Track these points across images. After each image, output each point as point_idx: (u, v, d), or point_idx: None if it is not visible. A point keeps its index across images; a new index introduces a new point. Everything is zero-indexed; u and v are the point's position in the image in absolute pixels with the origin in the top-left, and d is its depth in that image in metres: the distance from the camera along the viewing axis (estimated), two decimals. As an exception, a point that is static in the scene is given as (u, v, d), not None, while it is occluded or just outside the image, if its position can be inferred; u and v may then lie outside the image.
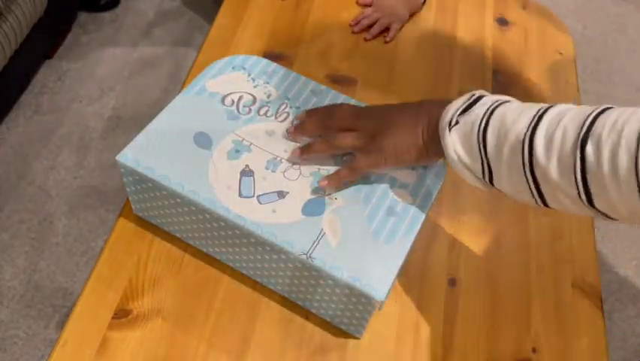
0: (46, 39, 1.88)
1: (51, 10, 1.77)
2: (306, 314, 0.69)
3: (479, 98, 0.60)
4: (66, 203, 1.62)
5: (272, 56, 0.96)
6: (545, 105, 0.55)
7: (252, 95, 0.74)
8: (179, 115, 0.70)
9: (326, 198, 0.66)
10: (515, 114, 0.55)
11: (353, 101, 0.75)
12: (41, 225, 1.58)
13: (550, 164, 0.51)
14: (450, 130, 0.58)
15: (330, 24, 1.05)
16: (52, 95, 1.86)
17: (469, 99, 0.60)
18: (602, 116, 0.50)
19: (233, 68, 0.77)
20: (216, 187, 0.65)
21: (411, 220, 0.65)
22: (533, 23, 1.11)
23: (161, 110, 0.71)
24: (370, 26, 1.04)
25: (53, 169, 1.69)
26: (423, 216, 0.66)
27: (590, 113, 0.51)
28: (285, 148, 0.69)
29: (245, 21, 1.02)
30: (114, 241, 0.72)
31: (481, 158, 0.57)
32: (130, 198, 0.71)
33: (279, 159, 0.68)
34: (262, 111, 0.72)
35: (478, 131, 0.56)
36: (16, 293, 1.46)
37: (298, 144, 0.70)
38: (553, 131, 0.51)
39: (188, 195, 0.64)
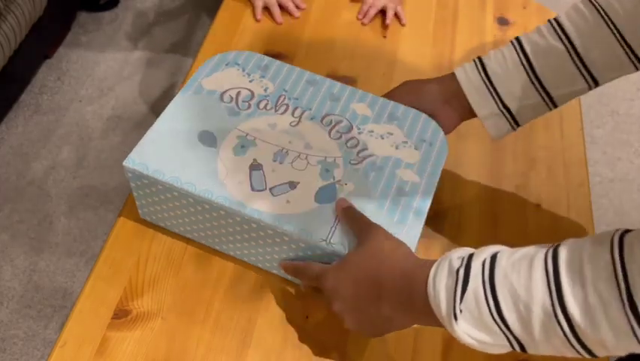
0: (45, 39, 1.88)
1: (51, 10, 1.77)
2: (306, 314, 0.69)
3: (461, 269, 0.52)
4: (66, 203, 1.62)
5: (272, 55, 0.96)
6: (542, 252, 0.49)
7: (250, 90, 0.74)
8: (180, 115, 0.70)
9: (336, 184, 0.67)
10: (521, 280, 0.48)
11: (348, 90, 0.76)
12: (41, 225, 1.58)
13: (602, 332, 0.45)
14: (456, 320, 0.51)
15: (330, 24, 1.05)
16: (52, 95, 1.86)
17: (455, 278, 0.51)
18: (630, 262, 0.44)
19: (226, 64, 0.77)
20: (228, 184, 0.65)
21: (421, 199, 0.67)
22: (534, 23, 1.11)
23: (161, 110, 0.71)
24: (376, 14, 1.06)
25: (53, 169, 1.69)
26: (432, 194, 0.68)
27: (613, 259, 0.44)
28: (290, 139, 0.70)
29: (245, 21, 1.02)
30: (114, 241, 0.72)
31: (505, 335, 0.50)
32: (137, 203, 0.71)
33: (285, 150, 0.69)
34: (261, 105, 0.73)
35: (490, 311, 0.49)
36: (15, 293, 1.45)
37: (304, 140, 0.70)
38: (585, 296, 0.45)
39: (202, 195, 0.64)
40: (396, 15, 1.07)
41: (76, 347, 0.64)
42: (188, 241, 0.73)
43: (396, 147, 0.71)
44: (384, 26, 1.05)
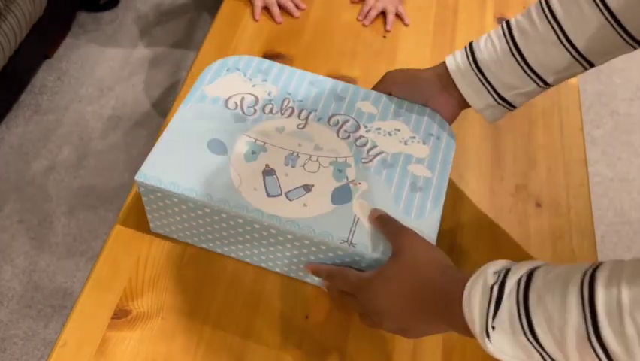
0: (45, 39, 1.88)
1: (50, 10, 1.77)
2: (306, 314, 0.69)
3: (495, 286, 0.51)
4: (66, 203, 1.62)
5: (272, 55, 0.96)
6: (578, 275, 0.47)
7: (253, 94, 0.73)
8: (187, 125, 0.70)
9: (350, 184, 0.67)
10: (556, 303, 0.47)
11: (351, 89, 0.76)
12: (41, 225, 1.58)
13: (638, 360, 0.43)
14: (489, 338, 0.50)
15: (330, 24, 1.05)
16: (52, 95, 1.86)
17: (488, 296, 0.51)
18: None
19: (227, 70, 0.76)
20: (243, 191, 0.64)
21: (435, 192, 0.67)
22: (533, 23, 1.11)
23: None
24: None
25: (53, 169, 1.69)
26: (445, 187, 0.68)
27: None
28: (299, 142, 0.69)
29: (245, 21, 1.02)
30: (114, 241, 0.72)
31: (540, 353, 0.49)
32: (149, 217, 0.71)
33: (295, 153, 0.68)
34: (267, 109, 0.72)
35: (524, 331, 0.48)
36: (15, 293, 1.45)
37: (313, 142, 0.70)
38: (621, 326, 0.43)
39: (219, 204, 0.64)
40: (399, 16, 1.07)
41: (77, 347, 0.64)
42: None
43: (405, 143, 0.71)
44: (386, 31, 1.05)
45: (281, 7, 1.04)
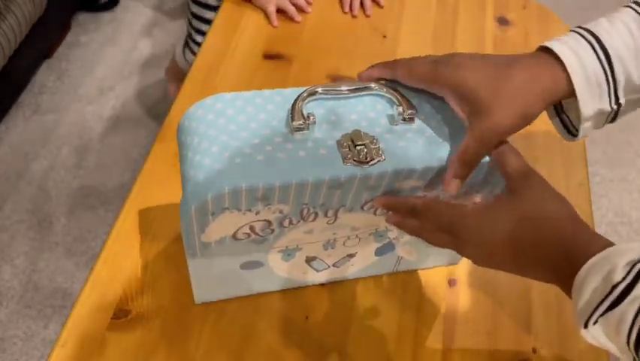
0: (45, 39, 1.88)
1: (50, 10, 1.77)
2: (306, 314, 0.69)
3: (621, 285, 0.44)
4: (66, 203, 1.62)
5: (272, 55, 0.96)
6: None
7: (263, 220, 0.57)
8: (206, 271, 0.63)
9: (393, 241, 0.66)
10: None
11: (388, 175, 0.54)
12: (41, 225, 1.58)
13: None
14: (586, 327, 0.46)
15: (330, 24, 1.05)
16: (52, 95, 1.86)
17: (607, 291, 0.44)
18: None
19: (212, 215, 0.54)
20: (293, 276, 0.68)
21: None
22: (533, 23, 1.11)
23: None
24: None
25: (53, 169, 1.69)
26: None
27: None
28: (334, 232, 0.62)
29: (245, 21, 1.02)
30: (114, 241, 0.72)
31: (633, 357, 0.44)
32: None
33: (332, 240, 0.64)
34: (285, 224, 0.58)
35: (628, 340, 0.43)
36: (15, 293, 1.45)
37: (348, 226, 0.61)
38: None
39: (282, 289, 0.70)
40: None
41: (77, 347, 0.64)
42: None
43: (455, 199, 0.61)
44: (366, 16, 1.06)
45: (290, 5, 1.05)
